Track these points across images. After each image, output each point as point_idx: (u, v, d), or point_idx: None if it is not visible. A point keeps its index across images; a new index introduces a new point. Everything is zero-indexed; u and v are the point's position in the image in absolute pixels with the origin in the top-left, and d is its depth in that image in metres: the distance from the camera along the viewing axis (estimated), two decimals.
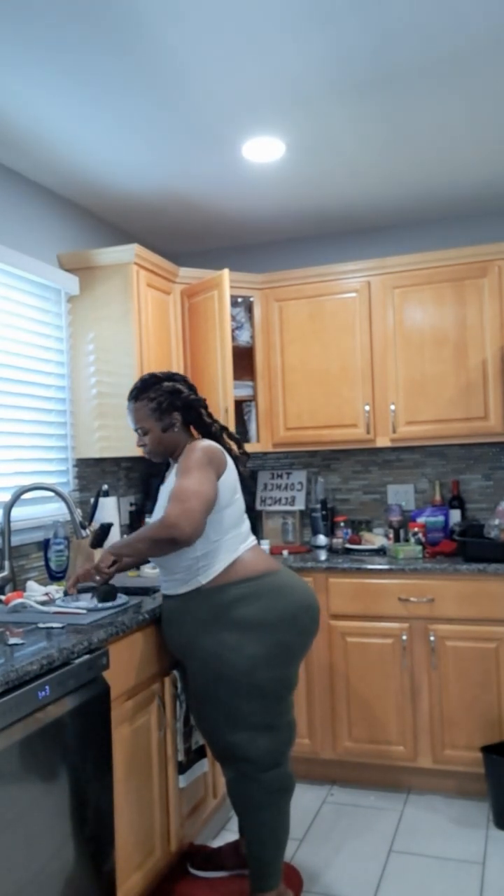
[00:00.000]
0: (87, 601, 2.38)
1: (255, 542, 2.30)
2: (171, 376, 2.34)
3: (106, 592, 2.31)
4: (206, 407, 2.34)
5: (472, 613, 2.96)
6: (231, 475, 2.25)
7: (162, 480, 2.41)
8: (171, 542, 2.05)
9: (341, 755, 3.14)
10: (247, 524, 2.30)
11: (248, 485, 2.36)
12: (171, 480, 2.24)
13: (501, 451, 3.55)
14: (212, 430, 2.34)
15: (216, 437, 2.34)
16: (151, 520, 2.31)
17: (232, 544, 2.20)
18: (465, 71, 2.29)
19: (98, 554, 2.99)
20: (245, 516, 2.30)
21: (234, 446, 2.37)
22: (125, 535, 3.43)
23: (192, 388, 2.35)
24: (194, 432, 2.37)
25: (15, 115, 2.46)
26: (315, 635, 2.28)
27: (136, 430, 2.32)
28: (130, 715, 2.18)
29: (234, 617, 2.14)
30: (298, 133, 2.68)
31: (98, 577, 2.24)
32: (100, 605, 2.30)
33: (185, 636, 2.20)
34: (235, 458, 2.34)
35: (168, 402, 2.27)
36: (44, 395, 3.01)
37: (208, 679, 2.16)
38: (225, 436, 2.36)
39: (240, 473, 2.32)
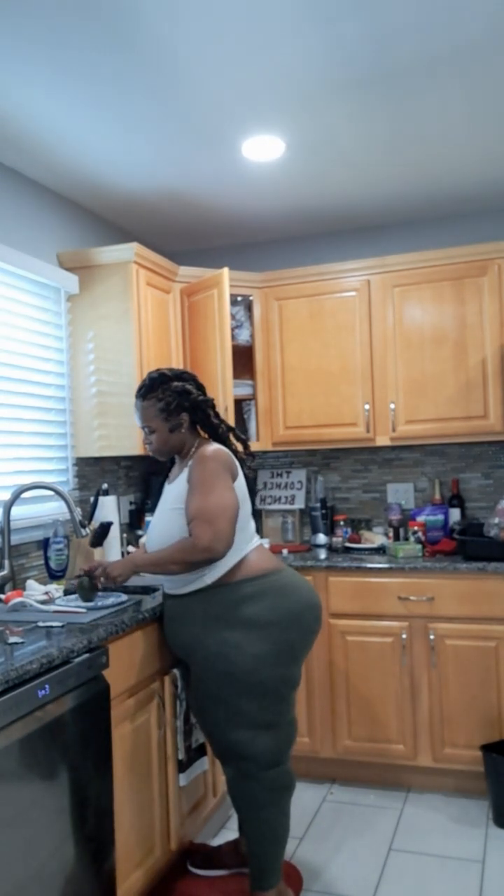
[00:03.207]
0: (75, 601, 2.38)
1: (260, 542, 2.30)
2: (180, 375, 2.31)
3: (89, 590, 2.30)
4: (213, 407, 2.33)
5: (471, 612, 2.96)
6: (241, 478, 2.26)
7: (165, 477, 2.41)
8: (206, 563, 2.10)
9: (341, 754, 3.14)
10: (252, 525, 2.30)
11: (252, 486, 2.36)
12: (179, 481, 2.23)
13: (501, 450, 3.55)
14: (219, 431, 2.33)
15: (223, 438, 2.34)
16: (151, 521, 2.30)
17: (239, 544, 2.20)
18: (465, 69, 2.28)
19: (98, 553, 2.99)
20: (251, 517, 2.31)
21: (239, 447, 2.37)
22: (125, 541, 3.43)
23: (200, 387, 2.34)
24: (201, 431, 2.37)
25: (14, 113, 2.45)
26: (317, 634, 2.28)
27: (142, 429, 2.31)
28: (130, 713, 2.18)
29: (240, 615, 2.14)
30: (298, 131, 2.67)
31: (103, 579, 2.23)
32: (85, 603, 2.31)
33: (189, 634, 2.20)
34: (241, 460, 2.34)
35: (177, 403, 2.25)
36: (43, 394, 3.01)
37: (212, 677, 2.16)
38: (231, 437, 2.36)
39: (244, 475, 2.32)
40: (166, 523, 2.22)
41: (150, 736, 2.29)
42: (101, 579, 2.22)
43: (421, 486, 3.66)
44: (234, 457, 2.27)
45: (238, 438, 2.37)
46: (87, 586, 2.28)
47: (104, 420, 3.10)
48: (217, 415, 2.34)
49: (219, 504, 2.09)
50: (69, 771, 1.84)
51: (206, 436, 2.36)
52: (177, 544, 2.11)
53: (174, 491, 2.23)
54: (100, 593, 2.47)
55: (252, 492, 2.35)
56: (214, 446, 2.23)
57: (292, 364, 3.53)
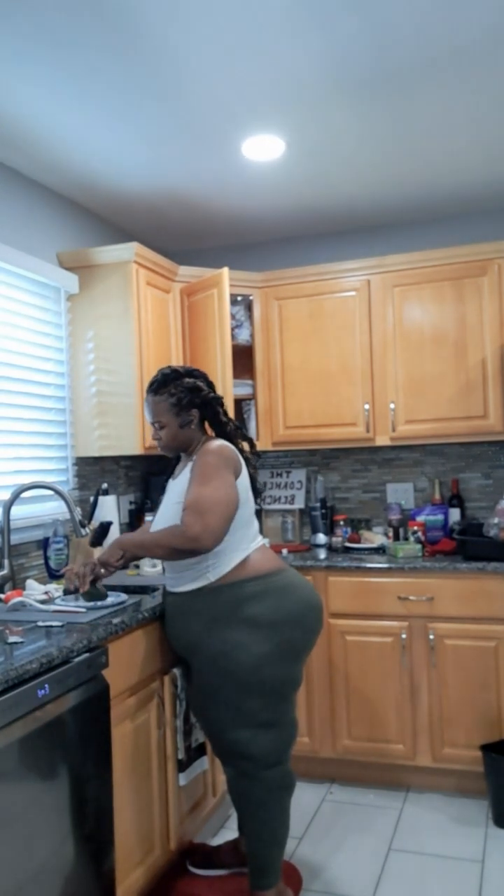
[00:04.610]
0: (74, 602, 2.37)
1: (263, 541, 2.30)
2: (191, 372, 2.33)
3: (93, 594, 2.30)
4: (222, 405, 2.35)
5: (471, 612, 2.96)
6: (245, 476, 2.27)
7: (170, 475, 2.41)
8: (191, 553, 2.08)
9: (341, 753, 3.14)
10: (256, 524, 2.30)
11: (258, 485, 2.37)
12: (183, 476, 2.23)
13: (501, 450, 3.55)
14: (226, 429, 2.34)
15: (230, 436, 2.34)
16: (155, 517, 2.31)
17: (242, 543, 2.21)
18: (465, 69, 2.29)
19: (98, 553, 2.99)
20: (254, 516, 2.31)
21: (245, 446, 2.38)
22: (129, 532, 3.43)
23: (211, 385, 2.35)
24: (208, 429, 2.38)
25: (14, 112, 2.45)
26: (319, 634, 2.28)
27: (152, 424, 2.32)
28: (130, 713, 2.18)
29: (242, 615, 2.14)
30: (298, 131, 2.68)
31: (103, 571, 2.24)
32: (90, 603, 2.30)
33: (192, 633, 2.20)
34: (246, 459, 2.34)
35: (188, 399, 2.27)
36: (43, 394, 3.01)
37: (213, 676, 2.16)
38: (238, 435, 2.37)
39: (249, 474, 2.33)
40: (169, 518, 2.22)
41: (149, 735, 2.29)
42: (101, 571, 2.23)
43: (421, 486, 3.66)
44: (239, 455, 2.28)
45: (244, 437, 2.38)
46: (96, 592, 2.29)
47: (104, 420, 3.10)
48: (225, 412, 2.36)
49: (214, 497, 2.09)
50: (69, 770, 1.84)
51: (213, 433, 2.37)
52: (166, 529, 2.12)
53: (178, 486, 2.24)
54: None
55: (256, 491, 2.35)
56: (219, 442, 2.24)
57: (292, 364, 3.53)
